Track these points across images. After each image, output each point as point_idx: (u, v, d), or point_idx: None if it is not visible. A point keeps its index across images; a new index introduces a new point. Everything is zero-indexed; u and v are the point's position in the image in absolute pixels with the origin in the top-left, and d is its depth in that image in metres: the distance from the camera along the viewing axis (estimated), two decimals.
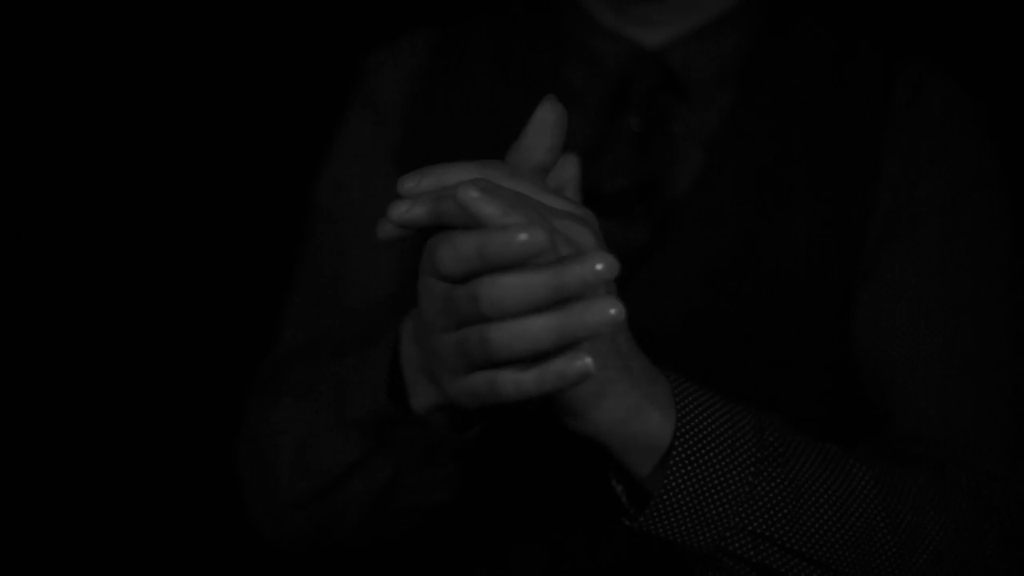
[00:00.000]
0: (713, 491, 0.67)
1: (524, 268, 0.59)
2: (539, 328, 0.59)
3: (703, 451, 0.67)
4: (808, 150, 0.92)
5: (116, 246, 1.49)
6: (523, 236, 0.58)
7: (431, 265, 0.62)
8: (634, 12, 0.94)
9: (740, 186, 0.91)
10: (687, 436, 0.67)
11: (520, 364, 0.61)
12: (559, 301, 0.59)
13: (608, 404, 0.65)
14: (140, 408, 1.49)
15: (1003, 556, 0.77)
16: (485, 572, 0.92)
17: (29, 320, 1.48)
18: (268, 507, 0.88)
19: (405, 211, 0.62)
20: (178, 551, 1.49)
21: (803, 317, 0.89)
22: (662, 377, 0.68)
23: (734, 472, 0.67)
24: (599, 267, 0.58)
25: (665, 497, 0.67)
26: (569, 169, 0.79)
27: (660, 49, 0.95)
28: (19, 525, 1.47)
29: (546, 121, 0.67)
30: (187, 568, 1.49)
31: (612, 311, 0.58)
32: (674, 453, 0.66)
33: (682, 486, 0.67)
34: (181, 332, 1.50)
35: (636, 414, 0.66)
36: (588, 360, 0.59)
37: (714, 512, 0.68)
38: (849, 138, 0.91)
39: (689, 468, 0.67)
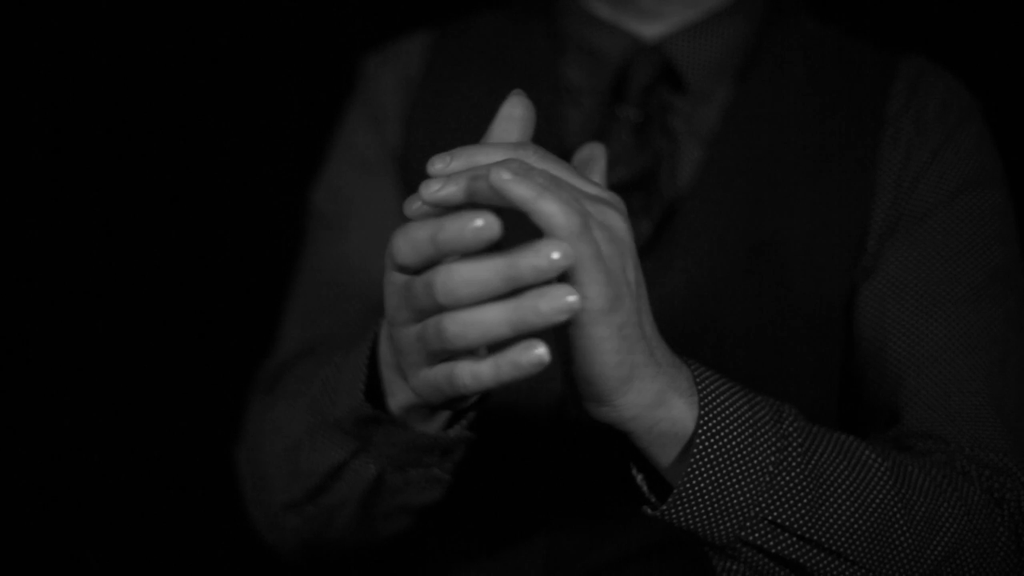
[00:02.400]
0: (735, 480, 0.67)
1: (478, 256, 0.58)
2: (493, 317, 0.58)
3: (726, 439, 0.66)
4: (807, 144, 0.92)
5: (117, 249, 1.49)
6: (478, 222, 0.57)
7: (391, 257, 0.61)
8: (633, 2, 0.94)
9: (740, 180, 0.91)
10: (710, 424, 0.66)
11: (479, 355, 0.60)
12: (517, 290, 0.58)
13: (635, 390, 0.64)
14: (143, 411, 1.50)
15: (1015, 550, 0.77)
16: (484, 572, 0.91)
17: (31, 323, 1.47)
18: (265, 509, 0.89)
19: (438, 189, 0.60)
20: (181, 553, 1.49)
21: (805, 311, 0.89)
22: (684, 365, 0.67)
23: (755, 461, 0.67)
24: (555, 256, 0.57)
25: (688, 485, 0.66)
26: (596, 155, 0.78)
27: (659, 42, 0.95)
28: (19, 525, 1.46)
29: (513, 116, 0.66)
30: (189, 569, 1.49)
31: (569, 299, 0.57)
32: (698, 441, 0.66)
33: (705, 474, 0.66)
34: (183, 335, 1.50)
35: (661, 401, 0.65)
36: (542, 350, 0.59)
37: (735, 501, 0.67)
38: (848, 132, 0.92)
39: (712, 456, 0.66)
